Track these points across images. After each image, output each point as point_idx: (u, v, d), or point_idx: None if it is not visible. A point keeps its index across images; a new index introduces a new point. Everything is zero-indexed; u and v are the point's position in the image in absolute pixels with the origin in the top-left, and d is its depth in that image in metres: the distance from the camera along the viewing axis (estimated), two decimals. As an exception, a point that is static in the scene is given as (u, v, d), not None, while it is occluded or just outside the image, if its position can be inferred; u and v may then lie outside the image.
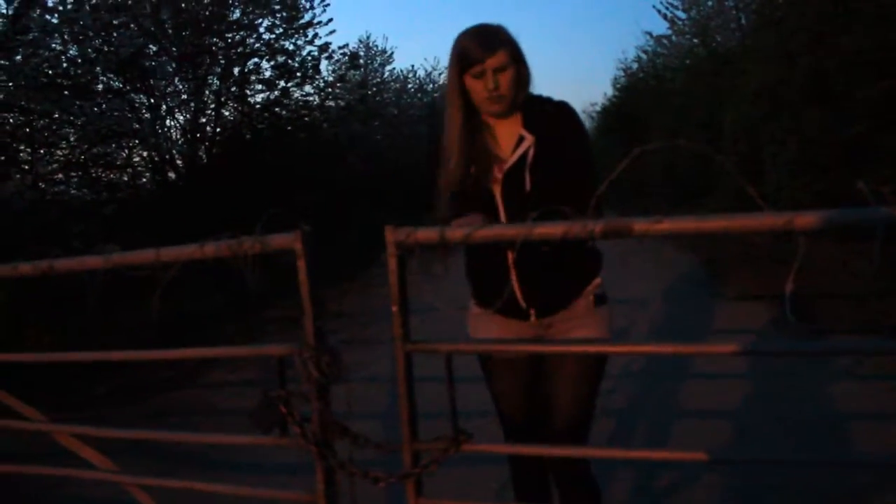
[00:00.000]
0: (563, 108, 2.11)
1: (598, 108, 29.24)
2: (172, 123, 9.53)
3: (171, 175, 9.42)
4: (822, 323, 5.29)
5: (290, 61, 10.36)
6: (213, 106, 9.79)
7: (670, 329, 5.55)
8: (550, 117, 2.07)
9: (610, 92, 23.61)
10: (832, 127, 6.76)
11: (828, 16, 7.06)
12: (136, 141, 8.78)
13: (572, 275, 2.12)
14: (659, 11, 15.15)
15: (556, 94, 2.15)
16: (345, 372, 1.81)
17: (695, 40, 14.62)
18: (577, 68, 59.16)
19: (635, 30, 36.80)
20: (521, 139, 2.06)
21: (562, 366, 2.13)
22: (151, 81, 8.81)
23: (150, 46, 8.76)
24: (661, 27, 21.65)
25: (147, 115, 8.93)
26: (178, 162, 9.52)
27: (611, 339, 2.22)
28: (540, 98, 2.12)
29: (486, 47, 1.97)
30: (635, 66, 20.15)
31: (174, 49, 8.98)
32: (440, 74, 20.20)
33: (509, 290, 2.07)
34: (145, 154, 9.07)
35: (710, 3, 14.19)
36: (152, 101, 8.97)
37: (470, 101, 2.06)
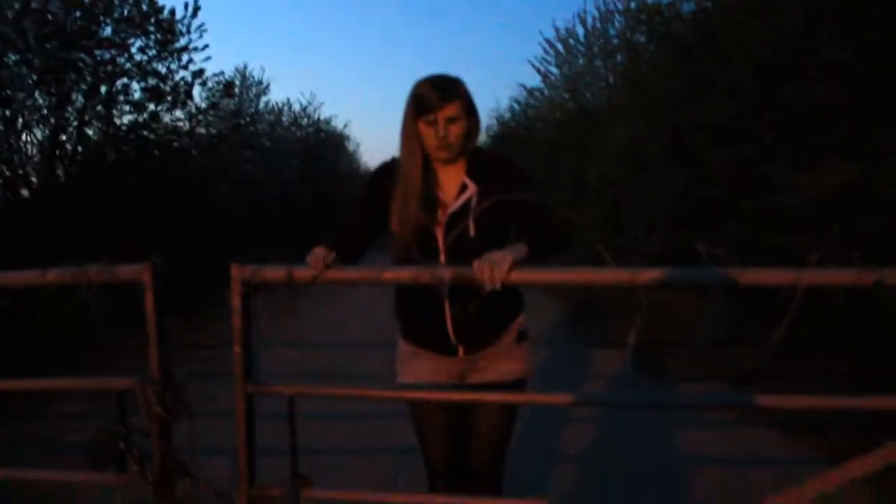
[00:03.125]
0: (503, 159, 2.25)
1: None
2: (29, 139, 8.98)
3: (25, 192, 8.87)
4: (670, 371, 5.55)
5: (161, 84, 10.01)
6: (75, 124, 9.29)
7: (544, 372, 5.64)
8: (492, 168, 2.18)
9: (483, 139, 24.18)
10: (688, 186, 7.14)
11: (687, 85, 7.51)
12: (-13, 154, 8.25)
13: (500, 313, 2.22)
14: (533, 65, 15.74)
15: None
16: (189, 408, 1.76)
17: (565, 95, 15.19)
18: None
19: (509, 81, 37.92)
20: (464, 186, 2.17)
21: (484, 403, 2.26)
22: (9, 92, 8.32)
23: (10, 55, 8.29)
24: (535, 80, 22.46)
25: (1, 128, 8.41)
26: (33, 179, 8.98)
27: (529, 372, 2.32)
28: (484, 150, 2.26)
29: (441, 97, 2.08)
30: (508, 115, 20.72)
31: (36, 61, 8.52)
32: (315, 110, 20.16)
33: (442, 329, 2.18)
34: (-5, 168, 8.51)
35: (581, 62, 14.82)
36: (7, 113, 8.45)
37: (422, 144, 2.14)
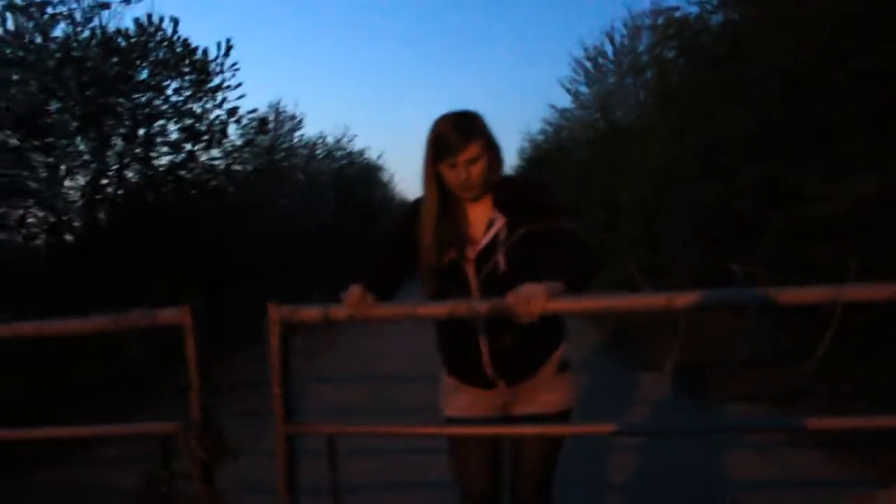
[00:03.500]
0: (529, 185, 2.19)
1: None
2: (72, 184, 9.23)
3: (69, 237, 9.09)
4: (711, 392, 5.47)
5: (197, 124, 10.20)
6: (115, 167, 9.53)
7: (585, 399, 5.59)
8: (519, 197, 2.13)
9: (515, 162, 24.11)
10: (722, 201, 7.08)
11: (716, 99, 7.46)
12: (32, 201, 8.48)
13: (539, 346, 2.20)
14: (563, 86, 15.76)
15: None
16: (232, 451, 1.79)
17: (596, 114, 15.15)
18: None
19: (541, 103, 37.64)
20: (492, 221, 2.13)
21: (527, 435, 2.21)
22: (51, 140, 8.55)
23: (52, 104, 8.53)
24: (566, 101, 22.42)
25: (45, 174, 8.64)
26: (76, 224, 9.20)
27: (572, 402, 2.27)
28: (511, 178, 2.22)
29: (460, 139, 2.04)
30: (540, 137, 20.69)
31: (77, 107, 8.76)
32: (349, 141, 20.32)
33: (479, 363, 2.16)
34: (41, 215, 8.73)
35: (611, 80, 14.79)
36: (51, 160, 8.68)
37: (444, 184, 2.13)
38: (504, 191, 2.16)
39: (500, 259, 2.09)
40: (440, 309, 1.82)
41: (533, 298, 1.72)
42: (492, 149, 2.12)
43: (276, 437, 1.80)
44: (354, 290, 1.86)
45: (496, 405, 2.25)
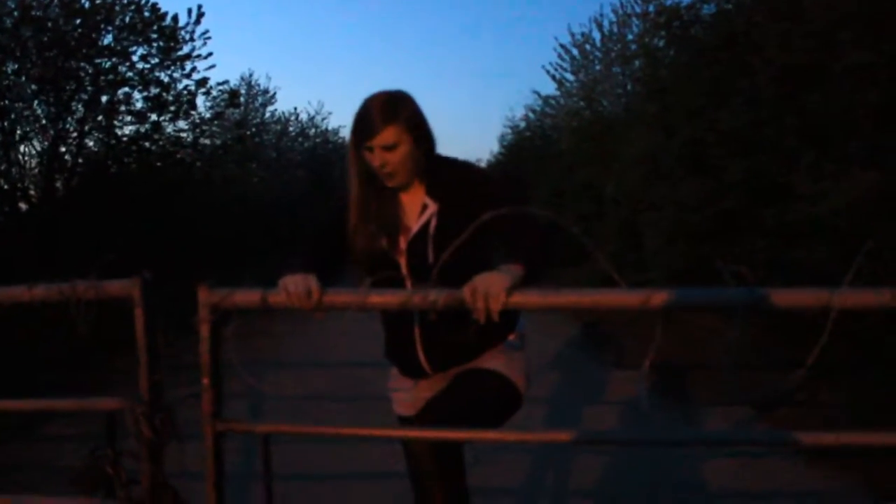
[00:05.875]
0: (462, 169, 2.05)
1: (482, 165, 29.71)
2: (27, 150, 8.83)
3: (23, 206, 8.68)
4: (690, 395, 5.23)
5: (164, 94, 9.80)
6: (75, 135, 9.11)
7: (555, 396, 5.36)
8: (452, 183, 2.01)
9: (496, 149, 23.82)
10: (707, 197, 6.86)
11: (706, 92, 7.22)
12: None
13: (480, 338, 1.96)
14: (548, 72, 15.38)
15: (440, 148, 2.07)
16: (180, 431, 1.70)
17: (581, 103, 14.83)
18: (463, 123, 59.68)
19: (524, 88, 37.01)
20: (424, 208, 2.02)
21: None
22: (7, 103, 8.13)
23: (8, 65, 8.10)
24: (551, 87, 22.07)
25: (-2, 139, 8.23)
26: (32, 192, 8.78)
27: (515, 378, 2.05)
28: (444, 161, 2.06)
29: (376, 123, 1.90)
30: (523, 124, 20.34)
31: (35, 70, 8.31)
32: (323, 119, 19.89)
33: (414, 355, 2.06)
34: (-8, 181, 8.31)
35: (597, 68, 14.49)
36: (5, 124, 8.25)
37: (367, 171, 2.01)
38: (436, 176, 2.03)
39: (429, 249, 1.97)
40: (392, 299, 1.64)
41: (493, 293, 1.52)
42: (418, 135, 1.97)
43: (205, 434, 1.69)
44: (299, 280, 1.67)
45: (437, 389, 2.07)
